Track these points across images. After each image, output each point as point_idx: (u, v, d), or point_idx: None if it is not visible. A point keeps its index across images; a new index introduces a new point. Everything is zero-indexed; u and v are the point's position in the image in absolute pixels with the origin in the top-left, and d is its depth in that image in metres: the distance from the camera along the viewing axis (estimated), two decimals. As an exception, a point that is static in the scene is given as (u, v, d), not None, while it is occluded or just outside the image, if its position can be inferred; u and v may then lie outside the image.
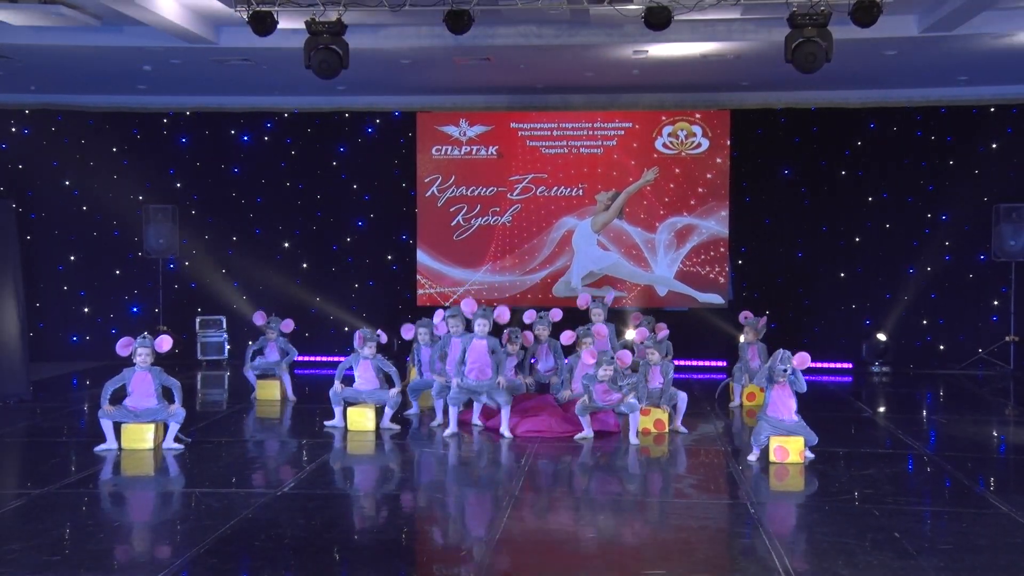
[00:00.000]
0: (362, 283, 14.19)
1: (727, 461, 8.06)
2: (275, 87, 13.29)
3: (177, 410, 8.30)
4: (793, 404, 7.88)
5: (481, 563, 5.47)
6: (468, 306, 9.28)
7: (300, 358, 11.37)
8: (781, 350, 7.88)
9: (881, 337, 13.34)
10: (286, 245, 14.31)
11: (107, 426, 8.22)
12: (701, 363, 13.09)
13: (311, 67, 9.39)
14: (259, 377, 10.92)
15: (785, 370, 7.74)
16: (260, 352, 11.02)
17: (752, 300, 13.22)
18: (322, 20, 9.28)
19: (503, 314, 9.32)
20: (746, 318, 10.76)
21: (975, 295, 13.46)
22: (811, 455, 7.84)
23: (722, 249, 13.47)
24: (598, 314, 10.29)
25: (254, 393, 10.89)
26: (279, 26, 9.41)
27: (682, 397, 9.15)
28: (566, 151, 13.68)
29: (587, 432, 8.83)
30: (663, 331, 9.93)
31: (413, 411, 10.09)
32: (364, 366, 9.29)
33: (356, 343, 9.43)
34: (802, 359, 7.83)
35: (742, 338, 10.71)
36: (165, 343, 8.42)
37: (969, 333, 13.46)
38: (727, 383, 10.74)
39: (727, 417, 10.03)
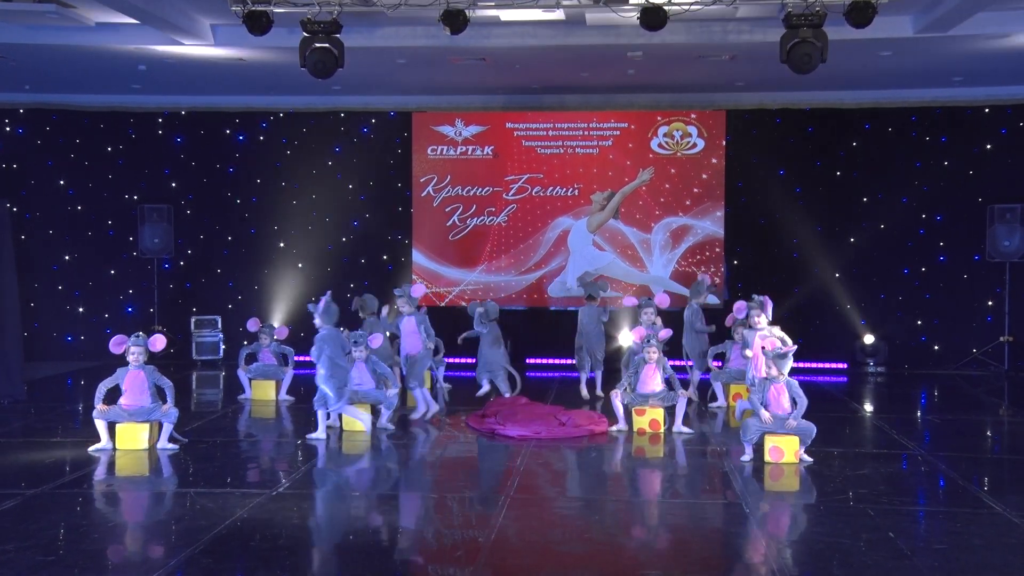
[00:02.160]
0: (358, 283, 14.16)
1: (722, 461, 8.06)
2: (270, 86, 13.28)
3: (171, 410, 8.30)
4: (787, 404, 7.88)
5: (476, 564, 5.47)
6: (417, 291, 10.55)
7: (295, 358, 11.40)
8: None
9: (868, 340, 13.36)
10: (281, 245, 14.30)
11: (101, 426, 8.20)
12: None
13: (306, 66, 9.39)
14: (254, 379, 10.91)
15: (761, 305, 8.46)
16: (254, 357, 11.02)
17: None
18: (317, 19, 9.27)
19: (417, 290, 10.53)
20: (739, 310, 10.78)
21: (969, 295, 13.49)
22: (809, 459, 7.83)
23: (717, 249, 13.49)
24: (649, 313, 10.30)
25: (243, 395, 10.87)
26: (274, 25, 9.40)
27: (681, 398, 9.13)
28: (562, 151, 13.69)
29: (622, 424, 9.13)
30: (666, 332, 9.89)
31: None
32: (358, 367, 9.30)
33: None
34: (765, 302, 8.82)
35: (736, 337, 10.66)
36: (158, 342, 8.42)
37: (963, 333, 13.48)
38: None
39: (711, 419, 10.01)
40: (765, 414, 7.80)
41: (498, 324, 10.92)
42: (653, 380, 9.10)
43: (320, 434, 8.86)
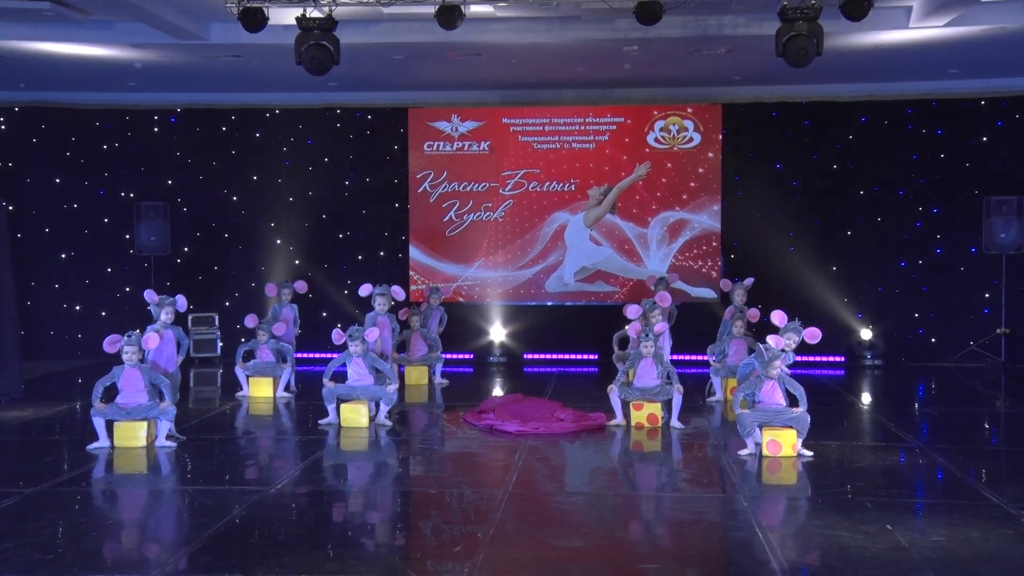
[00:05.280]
0: (354, 279, 14.14)
1: (720, 455, 8.07)
2: (266, 83, 13.25)
3: (168, 408, 8.29)
4: (781, 398, 7.89)
5: (475, 559, 5.47)
6: (397, 293, 10.90)
7: (298, 355, 11.44)
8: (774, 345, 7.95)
9: (865, 336, 13.36)
10: (278, 242, 14.28)
11: (99, 424, 8.20)
12: (693, 357, 13.07)
13: (302, 63, 9.38)
14: (252, 376, 10.91)
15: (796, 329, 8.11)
16: (252, 354, 11.02)
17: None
18: (313, 16, 9.25)
19: (398, 293, 10.87)
20: (726, 285, 11.21)
21: (966, 288, 13.49)
22: (808, 453, 7.82)
23: (714, 243, 13.49)
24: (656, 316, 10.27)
25: (241, 392, 10.87)
26: (269, 22, 9.39)
27: (676, 395, 9.13)
28: (558, 146, 13.69)
29: (620, 419, 9.10)
30: (662, 326, 9.90)
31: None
32: (356, 363, 9.30)
33: (335, 339, 9.45)
34: (812, 334, 8.05)
35: (737, 298, 10.80)
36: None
37: (960, 326, 13.49)
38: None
39: (709, 412, 10.02)
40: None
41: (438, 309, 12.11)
42: (650, 375, 9.11)
43: (332, 419, 9.20)
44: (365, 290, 10.84)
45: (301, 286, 11.51)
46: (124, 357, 8.26)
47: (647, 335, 9.13)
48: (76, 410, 10.27)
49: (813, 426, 7.93)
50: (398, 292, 10.86)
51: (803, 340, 8.18)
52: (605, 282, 13.62)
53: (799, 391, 7.86)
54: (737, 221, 13.65)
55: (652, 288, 12.13)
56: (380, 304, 10.68)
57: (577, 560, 5.54)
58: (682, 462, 8.05)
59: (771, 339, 8.05)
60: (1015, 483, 7.10)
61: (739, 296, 10.84)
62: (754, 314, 10.53)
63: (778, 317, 8.41)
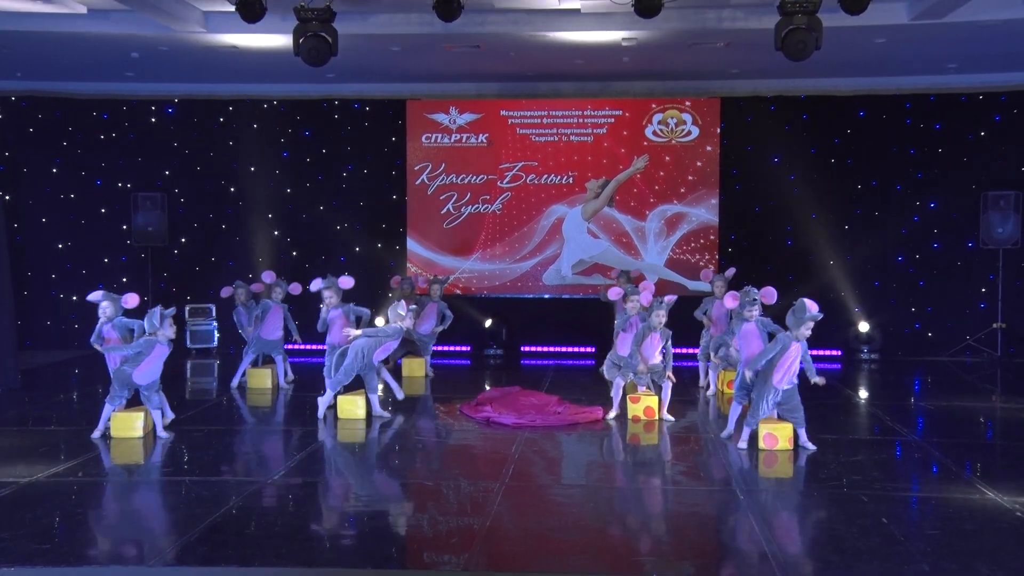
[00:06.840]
0: (352, 271, 14.06)
1: (716, 447, 8.08)
2: (264, 74, 13.23)
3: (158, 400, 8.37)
4: (761, 343, 8.04)
5: (472, 550, 5.48)
6: (345, 284, 10.09)
7: (288, 347, 11.41)
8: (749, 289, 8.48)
9: (862, 328, 13.39)
10: (276, 233, 14.27)
11: (106, 415, 8.24)
12: (691, 351, 13.08)
13: (300, 54, 9.36)
14: (252, 365, 10.95)
15: (754, 300, 8.44)
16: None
17: (741, 288, 13.20)
18: (311, 7, 9.24)
19: (345, 283, 10.06)
20: (707, 276, 11.22)
21: (963, 282, 13.52)
22: (812, 446, 7.82)
23: (712, 237, 13.50)
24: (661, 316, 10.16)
25: (236, 383, 10.85)
26: (267, 13, 9.37)
27: (666, 385, 9.12)
28: (556, 139, 13.68)
29: (616, 409, 9.16)
30: (647, 296, 9.84)
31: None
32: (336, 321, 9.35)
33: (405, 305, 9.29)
34: (768, 293, 8.55)
35: (717, 290, 10.70)
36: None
37: (957, 320, 13.52)
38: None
39: (704, 405, 10.04)
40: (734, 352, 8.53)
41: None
42: (653, 349, 9.02)
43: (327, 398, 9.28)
44: (315, 284, 10.21)
45: (295, 288, 11.06)
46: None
47: (661, 303, 9.01)
48: (73, 400, 10.27)
49: (809, 420, 7.94)
50: (345, 283, 10.10)
51: (761, 302, 8.62)
52: (603, 275, 13.61)
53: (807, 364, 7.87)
54: (735, 215, 13.65)
55: (615, 279, 12.13)
56: (328, 298, 10.00)
57: (573, 552, 5.55)
58: (678, 455, 8.06)
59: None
60: (1010, 477, 7.11)
61: (719, 288, 10.75)
62: (733, 298, 10.11)
63: (731, 299, 8.62)
